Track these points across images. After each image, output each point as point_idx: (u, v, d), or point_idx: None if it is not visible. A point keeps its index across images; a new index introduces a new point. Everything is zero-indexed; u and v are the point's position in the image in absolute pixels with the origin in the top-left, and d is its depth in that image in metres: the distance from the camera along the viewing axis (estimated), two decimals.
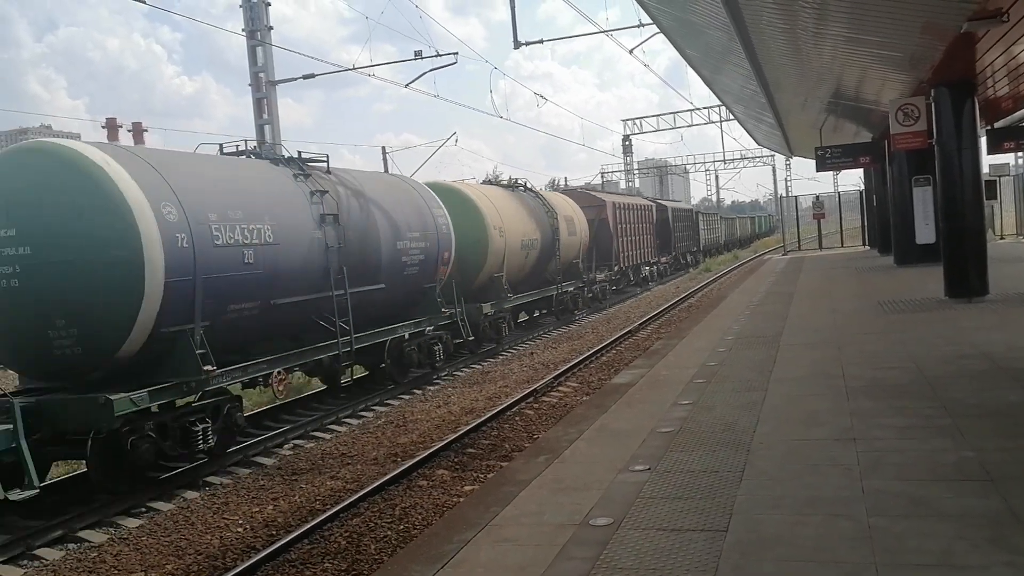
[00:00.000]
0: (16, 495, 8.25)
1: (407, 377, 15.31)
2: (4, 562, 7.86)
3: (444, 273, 16.52)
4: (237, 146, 12.66)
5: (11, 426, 8.30)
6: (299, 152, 13.21)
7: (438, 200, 16.83)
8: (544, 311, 24.65)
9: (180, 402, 10.36)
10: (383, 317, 14.61)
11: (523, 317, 24.08)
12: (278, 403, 13.72)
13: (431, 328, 16.07)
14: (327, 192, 12.73)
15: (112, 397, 8.90)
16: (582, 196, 29.48)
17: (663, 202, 42.61)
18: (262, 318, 11.20)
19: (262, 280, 10.97)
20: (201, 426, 10.08)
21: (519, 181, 23.87)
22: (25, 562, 7.97)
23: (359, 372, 15.15)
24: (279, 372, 11.60)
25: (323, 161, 13.62)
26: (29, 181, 9.10)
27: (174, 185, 9.91)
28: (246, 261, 10.65)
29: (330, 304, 12.47)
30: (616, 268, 30.01)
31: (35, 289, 8.95)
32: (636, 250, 33.11)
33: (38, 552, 8.10)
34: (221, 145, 12.54)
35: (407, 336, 15.17)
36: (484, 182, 22.96)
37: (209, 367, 9.94)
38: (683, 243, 42.69)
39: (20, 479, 8.37)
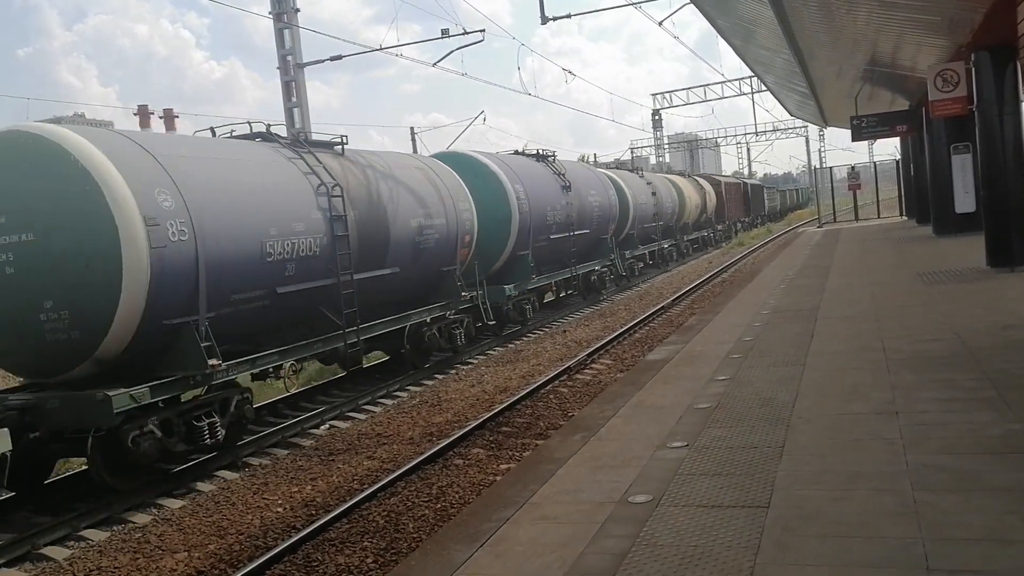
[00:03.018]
0: None
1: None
2: (51, 543, 8.02)
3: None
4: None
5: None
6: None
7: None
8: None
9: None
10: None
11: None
12: (312, 386, 13.91)
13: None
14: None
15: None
16: (709, 178, 48.33)
17: (746, 180, 62.08)
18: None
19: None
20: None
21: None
22: (72, 543, 8.12)
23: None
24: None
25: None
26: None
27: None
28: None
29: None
30: (726, 223, 47.76)
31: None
32: (735, 211, 51.54)
33: (83, 533, 8.26)
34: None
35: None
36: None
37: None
38: (756, 207, 60.42)
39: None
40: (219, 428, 9.78)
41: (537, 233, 19.17)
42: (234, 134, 12.20)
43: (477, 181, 17.12)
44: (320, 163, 12.30)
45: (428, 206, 14.78)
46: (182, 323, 9.44)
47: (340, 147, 13.44)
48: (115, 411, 8.54)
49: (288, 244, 10.96)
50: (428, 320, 14.86)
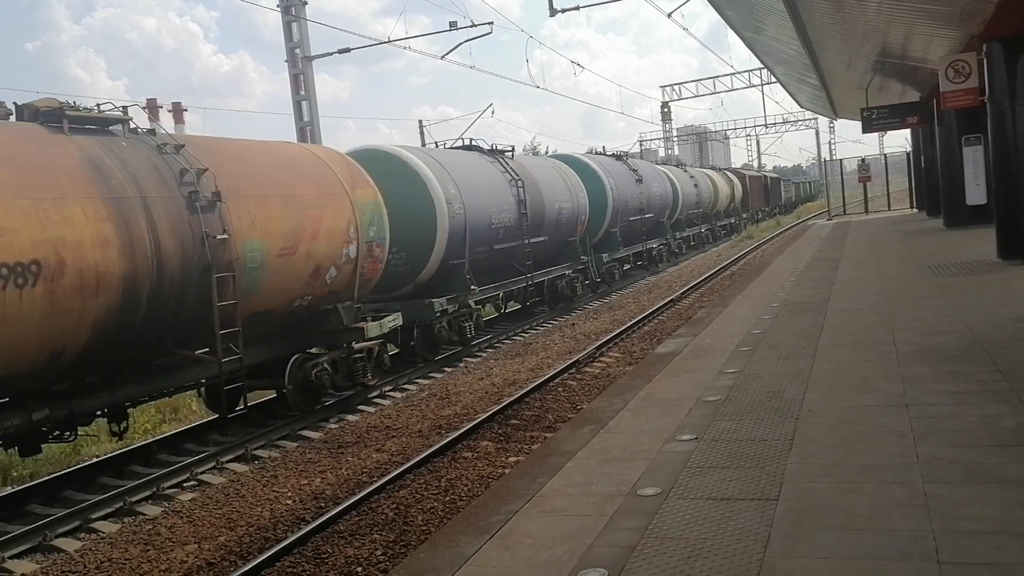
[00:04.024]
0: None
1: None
2: (63, 535, 8.07)
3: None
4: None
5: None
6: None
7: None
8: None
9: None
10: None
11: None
12: None
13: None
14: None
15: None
16: (735, 172, 53.68)
17: (766, 173, 71.92)
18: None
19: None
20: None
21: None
22: (83, 535, 8.17)
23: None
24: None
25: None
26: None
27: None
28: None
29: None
30: (749, 211, 52.87)
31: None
32: (757, 201, 56.24)
33: (95, 525, 8.31)
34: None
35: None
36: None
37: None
38: (774, 198, 65.64)
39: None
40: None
41: (623, 216, 25.30)
42: (450, 146, 18.75)
43: (584, 177, 22.91)
44: (507, 164, 18.59)
45: (562, 194, 20.73)
46: (458, 263, 15.80)
47: (511, 153, 19.46)
48: (435, 311, 14.66)
49: (499, 218, 17.35)
50: (560, 275, 20.82)
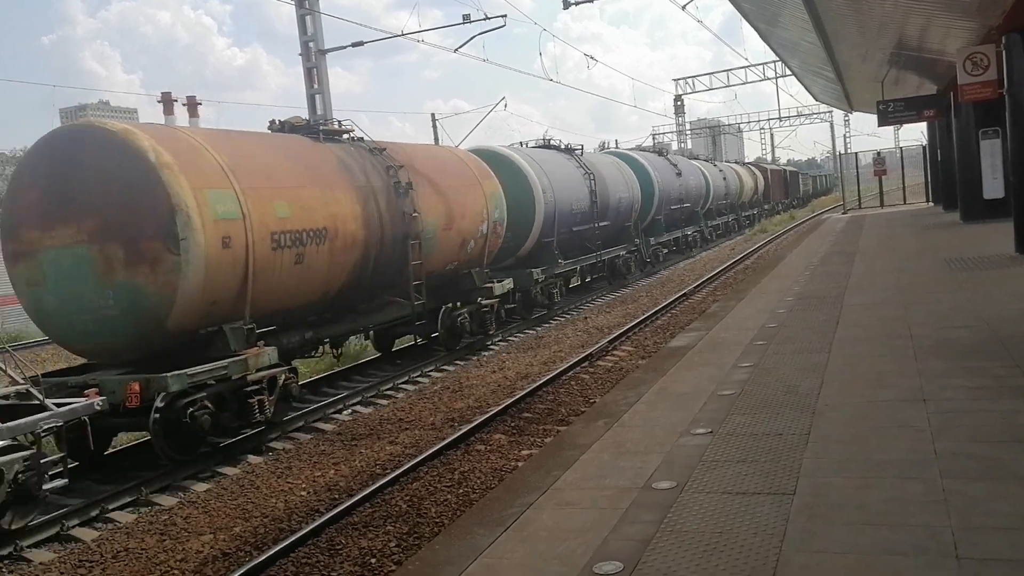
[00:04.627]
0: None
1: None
2: (80, 524, 8.13)
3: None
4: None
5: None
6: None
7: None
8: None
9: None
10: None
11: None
12: (335, 371, 14.05)
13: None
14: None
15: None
16: (758, 166, 57.38)
17: (786, 167, 74.60)
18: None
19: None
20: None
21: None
22: (100, 524, 8.23)
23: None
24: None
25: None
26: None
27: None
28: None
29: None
30: (771, 203, 55.90)
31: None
32: (777, 193, 59.09)
33: (112, 515, 8.37)
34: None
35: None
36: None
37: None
38: (793, 190, 67.95)
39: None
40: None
41: (666, 205, 29.19)
42: (531, 145, 22.03)
43: (635, 170, 26.72)
44: (580, 160, 22.17)
45: (620, 185, 24.52)
46: (548, 240, 19.43)
47: (580, 151, 22.85)
48: (533, 278, 18.18)
49: (577, 205, 20.79)
50: (618, 255, 24.45)
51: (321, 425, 11.20)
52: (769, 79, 56.66)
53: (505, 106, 38.50)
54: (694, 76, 63.41)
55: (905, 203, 36.83)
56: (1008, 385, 6.34)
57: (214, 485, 9.08)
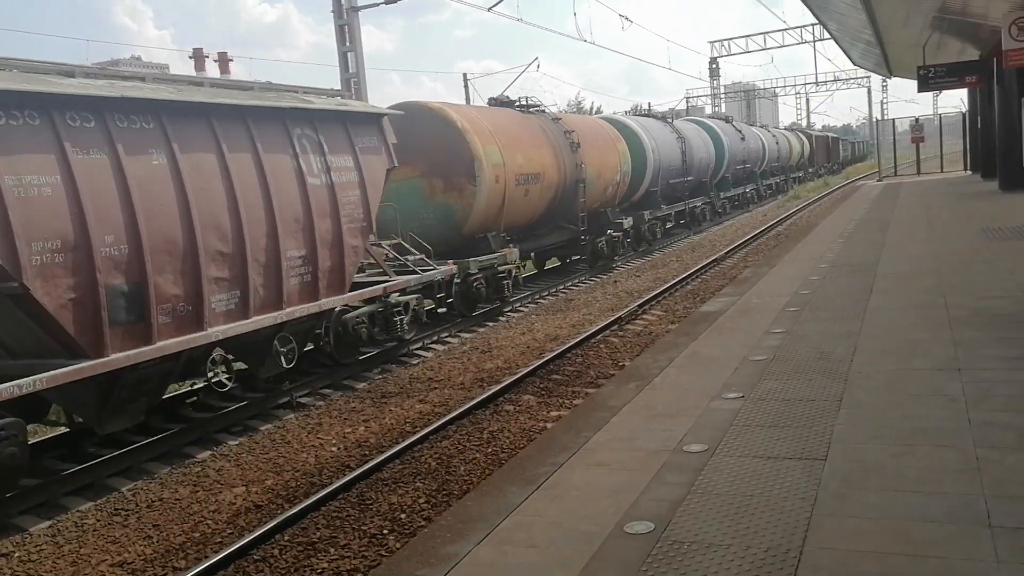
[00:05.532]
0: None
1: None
2: (115, 474, 8.31)
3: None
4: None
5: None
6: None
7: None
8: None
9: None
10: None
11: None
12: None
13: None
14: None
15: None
16: (804, 132, 61.10)
17: (828, 134, 77.96)
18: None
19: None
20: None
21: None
22: (134, 475, 8.41)
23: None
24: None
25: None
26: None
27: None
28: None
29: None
30: (815, 166, 59.77)
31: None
32: (821, 158, 62.76)
33: (146, 466, 8.55)
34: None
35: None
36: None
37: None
38: (834, 156, 71.49)
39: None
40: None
41: (732, 165, 33.71)
42: (638, 113, 27.69)
43: (709, 134, 31.13)
44: (673, 126, 27.54)
45: (700, 147, 29.01)
46: (654, 190, 24.60)
47: (671, 118, 28.96)
48: (645, 220, 23.71)
49: (672, 162, 25.76)
50: (697, 205, 29.83)
51: (351, 383, 11.32)
52: (807, 42, 55.66)
53: (538, 67, 38.19)
54: (730, 39, 62.40)
55: (942, 171, 36.15)
56: None
57: (246, 439, 9.23)
